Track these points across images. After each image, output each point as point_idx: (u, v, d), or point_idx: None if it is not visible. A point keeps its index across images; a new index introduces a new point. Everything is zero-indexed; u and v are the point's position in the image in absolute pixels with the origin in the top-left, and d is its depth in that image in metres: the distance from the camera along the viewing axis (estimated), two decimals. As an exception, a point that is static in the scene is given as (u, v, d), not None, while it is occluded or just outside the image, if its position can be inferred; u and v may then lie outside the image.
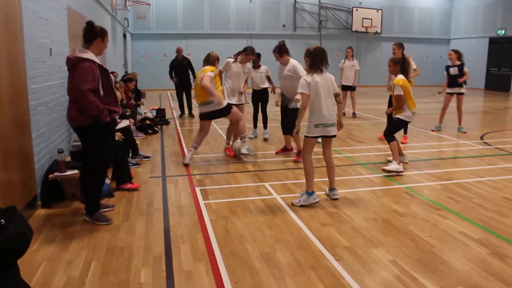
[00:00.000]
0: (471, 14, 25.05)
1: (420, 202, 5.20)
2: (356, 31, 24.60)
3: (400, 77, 6.56)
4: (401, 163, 6.51)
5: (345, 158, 7.39)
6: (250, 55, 7.83)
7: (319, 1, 24.15)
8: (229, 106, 7.01)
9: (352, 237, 4.16)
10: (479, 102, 17.46)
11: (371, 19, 24.61)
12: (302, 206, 5.05)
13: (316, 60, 5.12)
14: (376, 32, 24.89)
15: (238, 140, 7.29)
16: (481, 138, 9.34)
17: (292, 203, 5.15)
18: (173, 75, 12.40)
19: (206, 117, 7.01)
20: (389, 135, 6.63)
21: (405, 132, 8.74)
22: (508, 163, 7.16)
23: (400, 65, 6.61)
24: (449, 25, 26.73)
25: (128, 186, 5.63)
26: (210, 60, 7.26)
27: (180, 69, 12.29)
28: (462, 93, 9.93)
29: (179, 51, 12.42)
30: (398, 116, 6.67)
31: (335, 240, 4.08)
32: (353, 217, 4.69)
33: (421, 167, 6.92)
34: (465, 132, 9.84)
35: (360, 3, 24.76)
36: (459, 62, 9.72)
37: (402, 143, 8.36)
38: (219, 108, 6.83)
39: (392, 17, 25.62)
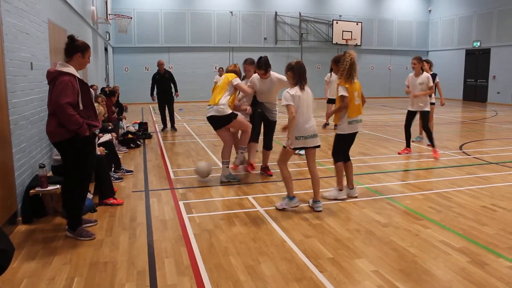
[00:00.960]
0: (448, 26, 25.64)
1: (401, 212, 5.27)
2: (336, 44, 24.94)
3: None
4: (343, 191, 5.83)
5: (328, 170, 7.46)
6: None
7: (300, 14, 24.45)
8: (233, 114, 6.54)
9: (336, 248, 4.19)
10: (457, 113, 17.80)
11: (351, 31, 25.00)
12: (283, 209, 5.26)
13: (300, 74, 5.19)
14: (356, 45, 25.26)
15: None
16: (460, 148, 9.52)
17: (275, 206, 5.33)
18: (155, 89, 12.36)
19: (214, 126, 6.73)
20: (334, 155, 5.87)
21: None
22: (486, 172, 7.31)
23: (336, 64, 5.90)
24: (426, 37, 27.30)
25: (111, 201, 5.59)
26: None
27: (162, 83, 12.28)
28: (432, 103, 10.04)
29: (160, 64, 12.40)
30: (337, 132, 5.87)
31: (318, 252, 4.12)
32: (336, 228, 4.74)
33: (402, 177, 7.03)
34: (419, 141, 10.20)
35: (340, 16, 25.15)
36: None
37: (434, 158, 8.36)
38: (222, 115, 6.48)
39: (372, 30, 26.07)
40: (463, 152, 9.08)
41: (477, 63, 23.61)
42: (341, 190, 5.82)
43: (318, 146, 5.36)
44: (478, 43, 23.39)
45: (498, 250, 4.15)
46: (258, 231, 4.65)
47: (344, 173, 5.89)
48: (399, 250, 4.17)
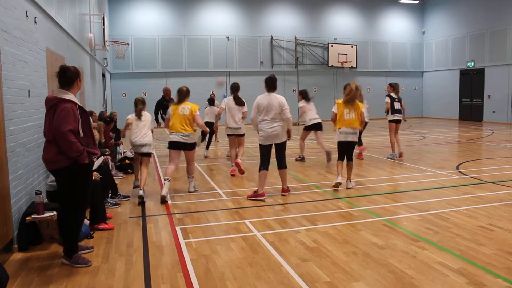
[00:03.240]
0: (442, 47, 25.97)
1: (399, 234, 5.26)
2: (332, 66, 25.19)
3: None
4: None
5: (325, 193, 7.46)
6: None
7: (295, 37, 24.76)
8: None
9: (333, 272, 4.18)
10: (454, 133, 17.89)
11: (346, 54, 25.28)
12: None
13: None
14: (352, 67, 25.52)
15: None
16: (457, 168, 9.55)
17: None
18: (161, 115, 12.00)
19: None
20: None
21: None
22: (483, 192, 7.32)
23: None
24: (421, 58, 27.62)
25: (103, 226, 5.59)
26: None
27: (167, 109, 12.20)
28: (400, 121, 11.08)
29: (167, 90, 12.18)
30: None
31: (315, 276, 4.10)
32: (333, 251, 4.72)
33: (399, 198, 7.03)
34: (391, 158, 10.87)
35: (335, 39, 25.46)
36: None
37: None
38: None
39: (367, 52, 26.37)
40: (460, 172, 9.10)
41: (471, 83, 23.83)
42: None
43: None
44: (472, 63, 23.66)
45: (495, 271, 4.14)
46: (255, 256, 4.63)
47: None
48: (397, 272, 4.15)
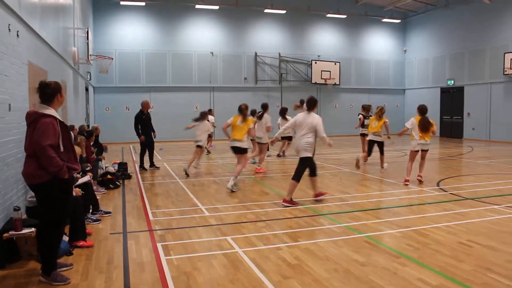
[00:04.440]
0: (422, 66, 26.47)
1: (380, 251, 5.30)
2: (315, 83, 25.44)
3: None
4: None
5: (307, 209, 7.48)
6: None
7: (279, 54, 24.99)
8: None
9: (314, 289, 4.18)
10: (435, 150, 18.12)
11: (330, 71, 25.57)
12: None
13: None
14: (335, 84, 25.81)
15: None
16: (437, 184, 9.67)
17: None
18: (140, 130, 12.25)
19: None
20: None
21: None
22: (463, 208, 7.43)
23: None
24: (403, 76, 28.09)
25: (81, 243, 5.50)
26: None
27: (147, 123, 12.32)
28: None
29: (145, 104, 12.41)
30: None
31: (297, 293, 4.09)
32: (315, 268, 4.72)
33: (380, 215, 7.08)
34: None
35: (319, 56, 25.76)
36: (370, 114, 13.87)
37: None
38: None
39: (350, 69, 26.72)
40: (440, 188, 9.22)
41: (452, 100, 24.28)
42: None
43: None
44: (452, 82, 24.15)
45: (474, 286, 4.19)
46: (236, 273, 4.61)
47: None
48: (378, 289, 4.17)
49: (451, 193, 8.69)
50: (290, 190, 7.76)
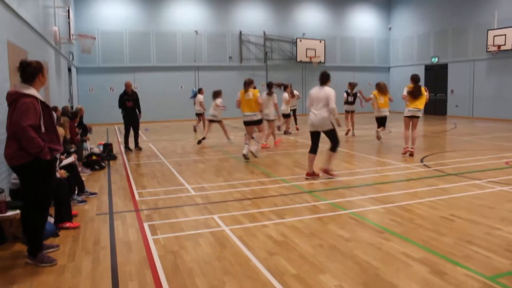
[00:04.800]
0: (407, 43, 26.53)
1: (364, 226, 5.38)
2: (300, 61, 25.36)
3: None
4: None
5: (292, 187, 7.54)
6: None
7: (264, 33, 24.81)
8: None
9: (300, 265, 4.24)
10: (419, 126, 18.27)
11: (315, 49, 25.48)
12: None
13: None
14: (320, 62, 25.76)
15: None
16: (421, 160, 9.80)
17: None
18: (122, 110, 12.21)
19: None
20: None
21: None
22: (446, 183, 7.55)
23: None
24: (388, 54, 28.14)
25: (67, 225, 5.48)
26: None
27: (130, 103, 12.16)
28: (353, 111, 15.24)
29: (128, 85, 12.25)
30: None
31: (283, 269, 4.15)
32: (301, 244, 4.79)
33: (365, 192, 7.17)
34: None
35: (304, 34, 25.63)
36: (354, 91, 15.11)
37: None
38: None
39: (335, 47, 26.67)
40: (424, 164, 9.35)
41: (436, 78, 24.44)
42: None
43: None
44: (436, 59, 24.28)
45: (455, 259, 4.30)
46: (223, 251, 4.66)
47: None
48: (362, 263, 4.25)
49: (434, 169, 8.82)
50: (310, 163, 8.09)
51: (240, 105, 10.41)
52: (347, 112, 15.14)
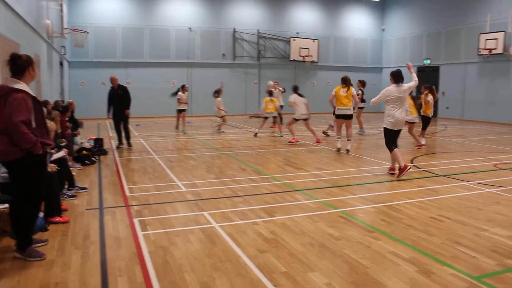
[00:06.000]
0: (400, 45, 26.65)
1: (354, 225, 5.42)
2: (294, 60, 25.39)
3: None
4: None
5: (283, 185, 7.56)
6: None
7: (258, 31, 24.79)
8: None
9: (289, 262, 4.27)
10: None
11: (308, 48, 25.51)
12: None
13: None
14: (313, 61, 25.80)
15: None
16: (412, 161, 9.87)
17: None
18: (109, 106, 11.81)
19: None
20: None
21: None
22: (435, 184, 7.62)
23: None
24: (381, 55, 28.25)
25: (57, 219, 5.46)
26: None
27: (116, 99, 11.71)
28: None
29: (113, 80, 11.80)
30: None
31: (272, 266, 4.17)
32: (290, 242, 4.81)
33: (355, 191, 7.21)
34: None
35: (297, 33, 25.65)
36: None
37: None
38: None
39: (328, 47, 26.72)
40: (415, 165, 9.41)
41: (428, 80, 24.48)
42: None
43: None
44: (428, 61, 24.41)
45: (443, 259, 4.34)
46: (213, 247, 4.67)
47: None
48: (351, 262, 4.28)
49: (424, 170, 8.88)
50: (397, 159, 8.25)
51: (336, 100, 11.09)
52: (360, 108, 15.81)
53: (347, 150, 10.93)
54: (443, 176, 8.33)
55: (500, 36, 19.92)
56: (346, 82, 11.12)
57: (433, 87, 12.78)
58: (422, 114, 12.50)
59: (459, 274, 4.01)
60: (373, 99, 8.69)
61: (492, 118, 20.72)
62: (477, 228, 5.32)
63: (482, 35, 20.78)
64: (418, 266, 4.17)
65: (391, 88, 8.47)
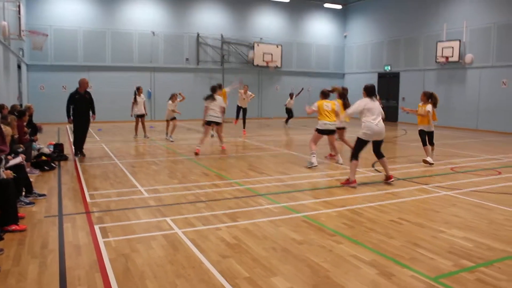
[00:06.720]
0: (361, 51, 27.23)
1: (316, 229, 5.48)
2: (257, 66, 25.51)
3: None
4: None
5: (246, 190, 7.58)
6: None
7: (222, 36, 24.79)
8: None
9: (252, 267, 4.28)
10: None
11: (272, 54, 25.70)
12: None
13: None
14: (277, 67, 26.00)
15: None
16: (372, 165, 10.08)
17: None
18: (72, 111, 10.95)
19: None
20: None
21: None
22: (396, 188, 7.81)
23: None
24: (343, 61, 28.77)
25: (13, 227, 5.27)
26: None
27: (82, 104, 10.99)
28: None
29: (84, 83, 11.06)
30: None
31: (235, 272, 4.17)
32: (253, 247, 4.83)
33: (318, 195, 7.30)
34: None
35: (261, 38, 25.80)
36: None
37: None
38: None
39: (291, 53, 26.99)
40: (375, 169, 9.62)
41: (388, 85, 25.19)
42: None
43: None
44: (389, 67, 25.05)
45: (403, 261, 4.46)
46: (175, 254, 4.63)
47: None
48: (313, 266, 4.33)
49: (385, 174, 9.06)
50: (385, 167, 8.32)
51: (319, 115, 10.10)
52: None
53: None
54: (403, 179, 8.56)
55: (455, 44, 20.65)
56: (327, 95, 10.29)
57: (434, 94, 10.87)
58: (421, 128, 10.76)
59: (417, 275, 4.13)
60: (348, 110, 8.73)
61: (449, 123, 21.39)
62: (434, 230, 5.48)
63: (439, 43, 21.48)
64: (379, 269, 4.26)
65: (366, 99, 8.32)
